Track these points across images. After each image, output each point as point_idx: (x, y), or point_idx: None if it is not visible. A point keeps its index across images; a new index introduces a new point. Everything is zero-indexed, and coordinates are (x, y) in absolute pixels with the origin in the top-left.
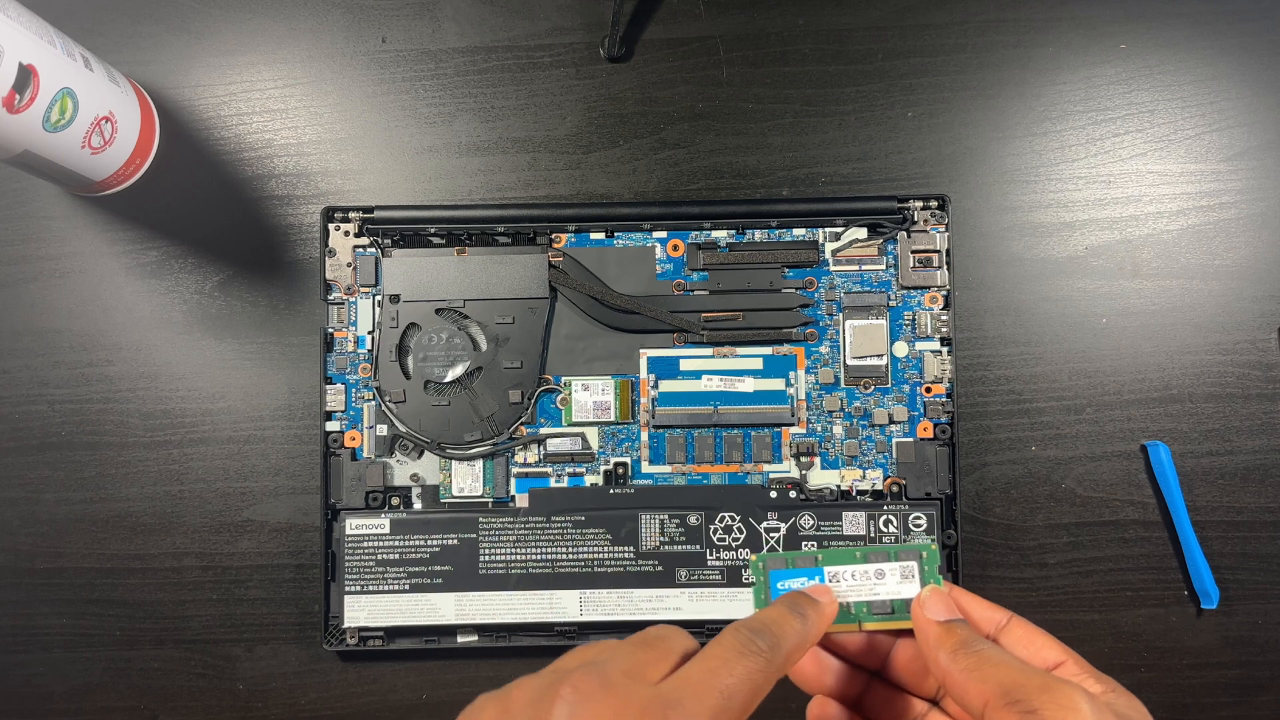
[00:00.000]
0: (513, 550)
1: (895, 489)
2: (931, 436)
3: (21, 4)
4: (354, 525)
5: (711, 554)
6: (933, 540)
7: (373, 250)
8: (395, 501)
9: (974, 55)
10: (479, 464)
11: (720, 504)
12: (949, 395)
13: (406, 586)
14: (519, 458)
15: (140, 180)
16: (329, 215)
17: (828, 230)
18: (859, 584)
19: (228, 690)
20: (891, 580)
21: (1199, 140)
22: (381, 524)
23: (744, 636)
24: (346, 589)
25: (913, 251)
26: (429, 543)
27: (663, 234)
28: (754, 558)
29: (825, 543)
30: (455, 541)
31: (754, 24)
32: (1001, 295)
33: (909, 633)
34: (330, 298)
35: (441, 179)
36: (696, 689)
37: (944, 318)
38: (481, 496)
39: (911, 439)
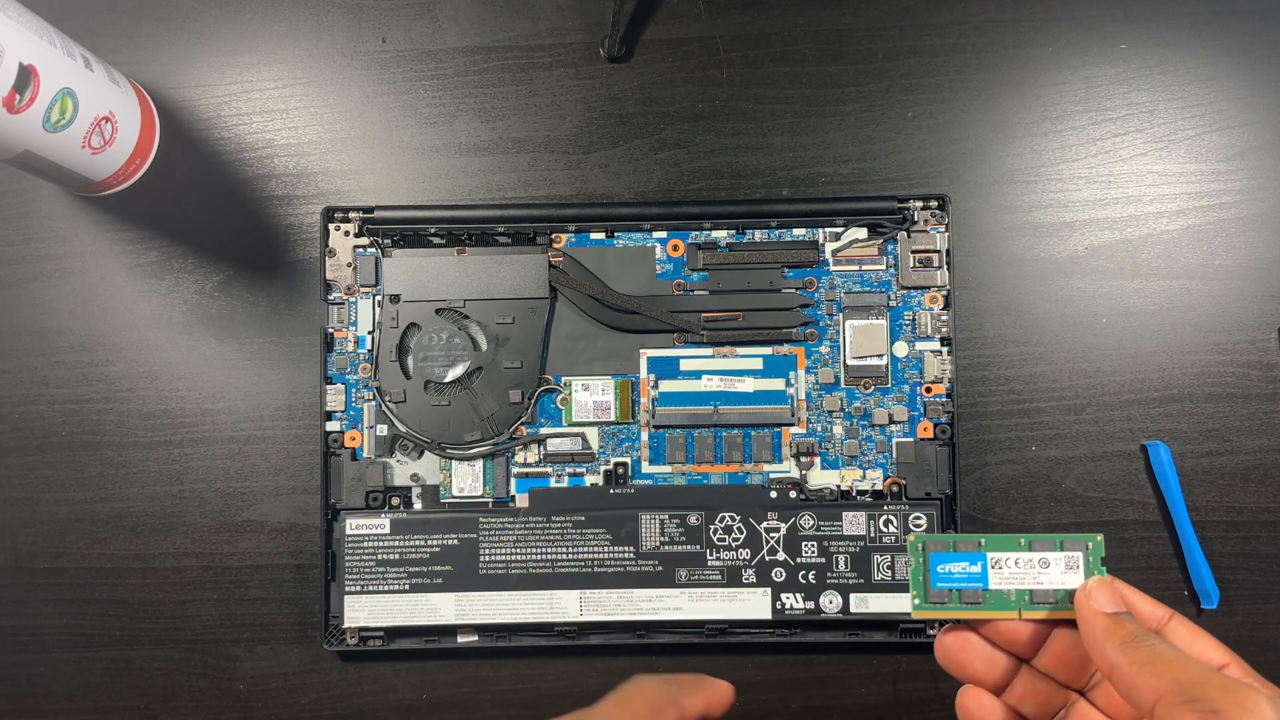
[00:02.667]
0: (513, 550)
1: (895, 489)
2: (931, 436)
3: (21, 4)
4: (354, 525)
5: (711, 554)
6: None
7: (373, 250)
8: (395, 501)
9: (974, 55)
10: (479, 464)
11: (720, 504)
12: (949, 395)
13: (406, 586)
14: (519, 458)
15: (140, 180)
16: (329, 215)
17: (828, 230)
18: (1022, 571)
19: (228, 690)
20: (1056, 570)
21: (1199, 140)
22: (381, 524)
23: (648, 677)
24: (346, 589)
25: (913, 251)
26: (429, 543)
27: (663, 234)
28: (913, 538)
29: (825, 543)
30: (455, 541)
31: (754, 24)
32: (1001, 295)
33: (1068, 623)
34: (330, 298)
35: (441, 179)
36: (602, 713)
37: (944, 318)
38: (481, 496)
39: (911, 439)
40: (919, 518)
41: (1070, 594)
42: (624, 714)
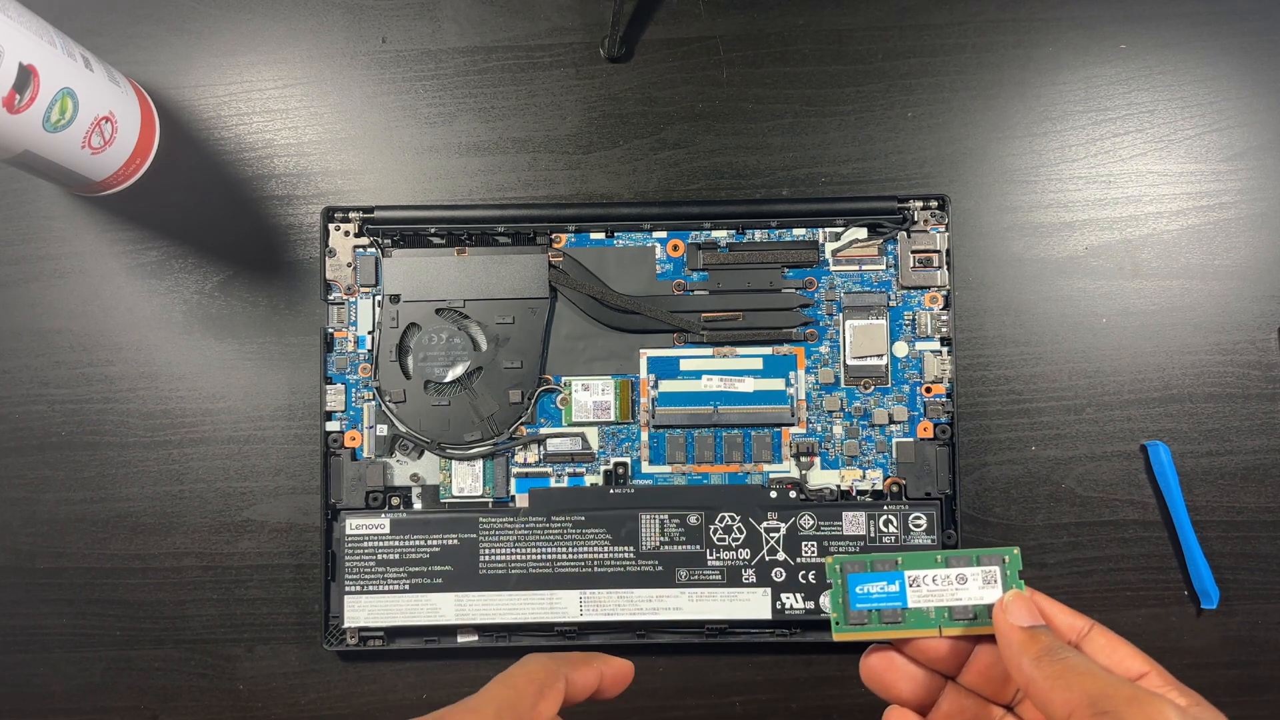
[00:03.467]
0: (513, 550)
1: (895, 489)
2: (931, 436)
3: (21, 4)
4: (354, 525)
5: (711, 554)
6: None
7: (373, 250)
8: (395, 501)
9: (974, 55)
10: (479, 464)
11: (720, 504)
12: (949, 395)
13: (406, 586)
14: (519, 458)
15: (140, 180)
16: (329, 215)
17: (828, 230)
18: (940, 589)
19: (228, 690)
20: (974, 585)
21: (1199, 140)
22: (381, 524)
23: (537, 655)
24: (346, 589)
25: (913, 251)
26: (429, 543)
27: (663, 234)
28: (830, 560)
29: (825, 543)
30: (455, 541)
31: (754, 24)
32: (1001, 295)
33: (989, 638)
34: (330, 298)
35: (441, 179)
36: (484, 692)
37: (944, 318)
38: (481, 496)
39: (911, 439)
40: (919, 518)
41: (989, 609)
42: (509, 692)
